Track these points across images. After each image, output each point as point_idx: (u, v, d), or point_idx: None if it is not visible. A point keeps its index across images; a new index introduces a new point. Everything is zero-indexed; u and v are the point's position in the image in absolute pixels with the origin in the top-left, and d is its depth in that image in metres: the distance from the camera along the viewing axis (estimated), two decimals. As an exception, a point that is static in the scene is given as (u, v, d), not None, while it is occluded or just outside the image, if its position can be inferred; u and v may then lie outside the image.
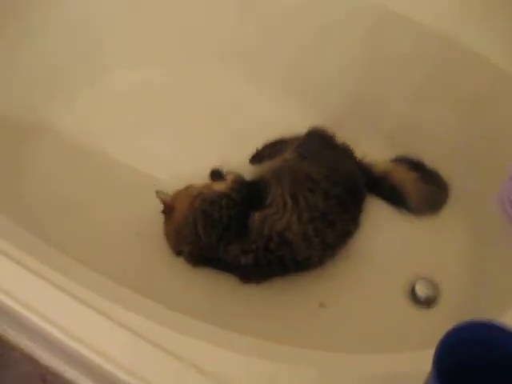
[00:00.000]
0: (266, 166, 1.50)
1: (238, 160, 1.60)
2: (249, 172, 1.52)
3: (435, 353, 0.68)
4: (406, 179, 1.52)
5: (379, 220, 1.50)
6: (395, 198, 1.53)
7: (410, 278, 1.40)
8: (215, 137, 1.67)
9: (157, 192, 1.42)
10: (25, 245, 1.08)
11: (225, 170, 1.57)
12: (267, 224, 1.34)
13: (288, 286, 1.38)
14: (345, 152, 1.56)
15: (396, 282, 1.40)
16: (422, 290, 1.37)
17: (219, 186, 1.45)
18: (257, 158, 1.63)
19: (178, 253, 1.43)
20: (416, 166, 1.55)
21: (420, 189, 1.52)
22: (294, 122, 1.62)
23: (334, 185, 1.39)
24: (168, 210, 1.43)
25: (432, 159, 1.55)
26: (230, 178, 1.47)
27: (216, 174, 1.58)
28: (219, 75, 1.78)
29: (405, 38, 1.50)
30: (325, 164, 1.45)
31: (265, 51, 1.73)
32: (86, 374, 1.12)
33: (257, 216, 1.35)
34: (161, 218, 1.46)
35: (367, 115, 1.65)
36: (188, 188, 1.47)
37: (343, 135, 1.58)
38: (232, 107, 1.74)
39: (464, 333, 0.70)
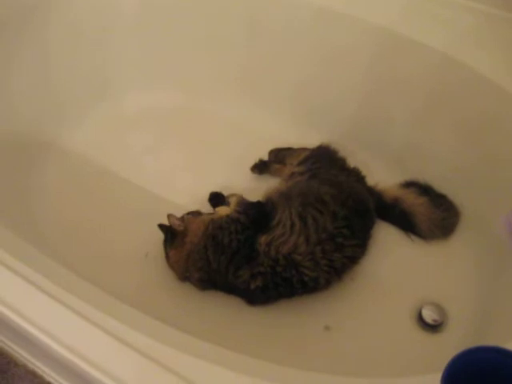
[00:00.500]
0: (273, 188, 1.50)
1: (244, 181, 1.63)
2: (255, 192, 1.52)
3: (442, 376, 0.68)
4: (416, 204, 1.52)
5: (387, 244, 1.50)
6: (406, 223, 1.53)
7: (417, 303, 1.40)
8: (223, 158, 1.69)
9: (169, 216, 1.41)
10: (34, 263, 1.09)
11: (225, 193, 1.57)
12: (274, 246, 1.34)
13: (294, 308, 1.38)
14: (355, 174, 1.56)
15: (403, 307, 1.40)
16: (428, 315, 1.36)
17: (224, 211, 1.45)
18: (258, 166, 1.66)
19: (184, 279, 1.43)
20: (425, 190, 1.55)
21: (431, 213, 1.51)
22: (300, 144, 1.65)
23: (343, 206, 1.39)
24: (179, 235, 1.41)
25: (437, 181, 1.55)
26: (233, 201, 1.48)
27: (215, 198, 1.58)
28: (227, 98, 1.81)
29: (408, 60, 1.52)
30: (335, 184, 1.45)
31: (271, 75, 1.76)
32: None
33: (263, 239, 1.35)
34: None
35: (372, 137, 1.66)
36: (198, 214, 1.47)
37: (347, 156, 1.59)
38: (239, 129, 1.77)
39: (471, 357, 0.70)
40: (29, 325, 0.98)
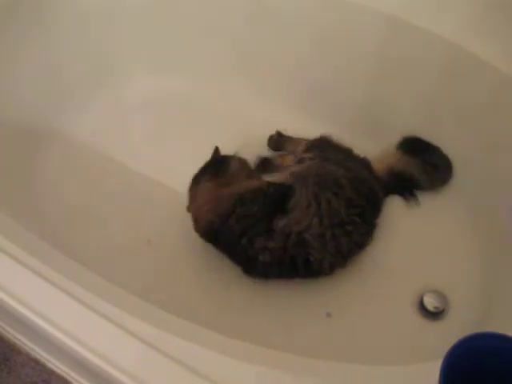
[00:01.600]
0: (282, 173, 1.51)
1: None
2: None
3: (442, 363, 0.68)
4: (409, 165, 1.57)
5: (390, 232, 1.50)
6: (407, 185, 1.57)
7: (418, 290, 1.40)
8: (224, 145, 1.66)
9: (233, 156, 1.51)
10: (35, 251, 1.09)
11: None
12: (289, 224, 1.34)
13: (295, 295, 1.39)
14: (363, 162, 1.56)
15: (405, 294, 1.40)
16: (430, 302, 1.36)
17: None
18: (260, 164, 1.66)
19: (195, 212, 1.44)
20: (417, 149, 1.59)
21: (425, 170, 1.56)
22: (301, 131, 1.66)
23: (359, 194, 1.40)
24: (228, 175, 1.47)
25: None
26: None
27: (264, 163, 1.63)
28: (228, 85, 1.80)
29: (412, 47, 1.51)
30: (349, 169, 1.45)
31: (273, 62, 1.75)
32: (92, 380, 1.12)
33: (280, 221, 1.35)
34: (171, 225, 1.48)
35: (372, 124, 1.66)
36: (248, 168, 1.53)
37: (347, 143, 1.59)
38: (240, 116, 1.76)
39: (472, 344, 0.70)
40: (30, 312, 0.98)
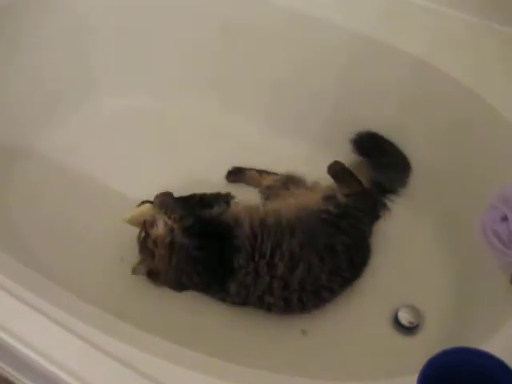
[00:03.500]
0: (258, 206, 1.44)
1: (219, 186, 1.60)
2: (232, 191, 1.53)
3: (418, 378, 0.68)
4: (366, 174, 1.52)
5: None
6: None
7: (393, 305, 1.40)
8: (199, 163, 1.68)
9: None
10: (5, 268, 1.07)
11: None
12: (245, 286, 1.33)
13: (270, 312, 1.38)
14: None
15: (379, 309, 1.40)
16: (404, 317, 1.37)
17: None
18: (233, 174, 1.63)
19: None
20: (368, 152, 1.57)
21: (384, 172, 1.53)
22: (273, 148, 1.68)
23: (351, 264, 1.36)
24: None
25: (410, 187, 1.56)
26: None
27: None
28: (203, 103, 1.80)
29: (384, 66, 1.52)
30: (356, 235, 1.40)
31: (247, 80, 1.75)
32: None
33: (232, 285, 1.33)
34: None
35: (344, 143, 1.62)
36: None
37: (320, 162, 1.57)
38: (214, 134, 1.76)
39: (447, 359, 0.70)
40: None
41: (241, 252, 1.32)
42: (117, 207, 1.57)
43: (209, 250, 1.33)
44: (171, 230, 1.37)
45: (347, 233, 1.37)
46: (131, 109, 1.80)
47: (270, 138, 1.72)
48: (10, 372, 1.11)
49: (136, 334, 1.04)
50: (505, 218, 1.03)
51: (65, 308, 1.00)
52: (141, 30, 1.76)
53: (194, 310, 1.40)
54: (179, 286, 1.40)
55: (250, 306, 1.36)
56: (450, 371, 0.70)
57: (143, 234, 1.41)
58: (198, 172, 1.65)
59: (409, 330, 1.36)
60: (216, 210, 1.40)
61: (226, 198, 1.48)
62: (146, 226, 1.40)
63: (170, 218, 1.37)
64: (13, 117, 1.64)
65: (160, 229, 1.38)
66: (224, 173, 1.65)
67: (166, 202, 1.41)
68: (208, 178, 1.64)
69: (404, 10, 1.53)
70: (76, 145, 1.73)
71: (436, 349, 0.74)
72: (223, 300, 1.37)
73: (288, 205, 1.41)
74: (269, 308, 1.34)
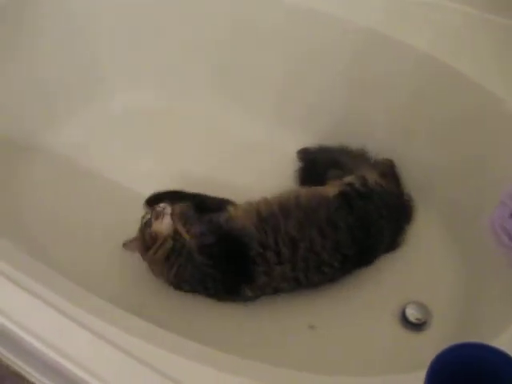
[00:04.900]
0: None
1: (225, 182, 1.61)
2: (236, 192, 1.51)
3: (427, 374, 0.68)
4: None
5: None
6: None
7: (400, 302, 1.40)
8: (207, 162, 1.68)
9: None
10: (13, 259, 1.08)
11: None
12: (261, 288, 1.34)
13: (278, 306, 1.38)
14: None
15: (387, 306, 1.40)
16: (412, 314, 1.36)
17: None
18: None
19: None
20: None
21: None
22: (284, 146, 1.67)
23: (352, 242, 1.36)
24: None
25: (418, 182, 1.55)
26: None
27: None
28: (212, 100, 1.81)
29: (391, 60, 1.52)
30: (366, 216, 1.39)
31: (255, 77, 1.75)
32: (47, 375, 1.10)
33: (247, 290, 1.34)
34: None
35: (352, 139, 1.63)
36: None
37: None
38: (223, 132, 1.76)
39: (456, 354, 0.70)
40: (7, 321, 0.97)
41: (257, 262, 1.32)
42: (122, 201, 1.60)
43: (224, 270, 1.34)
44: (175, 238, 1.36)
45: (355, 213, 1.36)
46: (138, 107, 1.81)
47: (277, 136, 1.72)
48: (15, 362, 1.12)
49: (140, 324, 1.04)
50: (514, 215, 1.03)
51: (72, 300, 1.00)
52: (147, 28, 1.77)
53: (199, 303, 1.39)
54: (174, 286, 1.39)
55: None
56: (460, 367, 0.69)
57: (146, 220, 1.40)
58: (205, 172, 1.66)
59: (416, 326, 1.36)
60: (223, 217, 1.38)
61: (227, 203, 1.47)
62: (152, 213, 1.40)
63: (187, 231, 1.36)
64: (22, 112, 1.65)
65: (163, 226, 1.37)
66: (231, 171, 1.63)
67: (186, 214, 1.40)
68: (215, 178, 1.64)
69: (407, 4, 1.53)
70: (82, 142, 1.74)
71: (443, 346, 0.73)
72: (233, 301, 1.37)
73: (288, 192, 1.41)
74: (281, 291, 1.35)
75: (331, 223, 1.34)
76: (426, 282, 1.45)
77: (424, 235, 1.52)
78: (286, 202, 1.36)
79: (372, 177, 1.43)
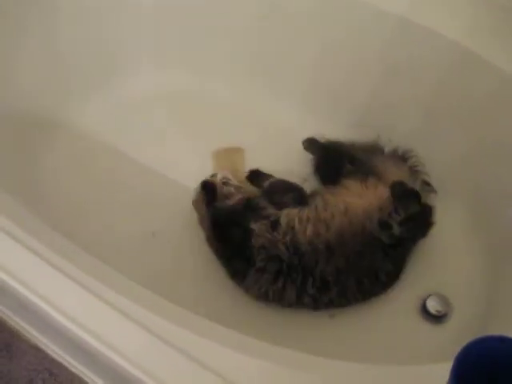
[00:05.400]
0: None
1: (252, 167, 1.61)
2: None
3: (453, 366, 0.67)
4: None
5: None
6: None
7: (421, 294, 1.40)
8: (232, 145, 1.68)
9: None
10: (40, 235, 1.08)
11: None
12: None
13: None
14: None
15: (407, 297, 1.40)
16: (433, 306, 1.36)
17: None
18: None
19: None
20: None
21: None
22: (310, 133, 1.65)
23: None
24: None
25: (443, 169, 1.53)
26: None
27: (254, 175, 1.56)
28: (240, 85, 1.80)
29: (420, 48, 1.51)
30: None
31: (283, 62, 1.74)
32: (93, 368, 1.12)
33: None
34: (176, 219, 1.50)
35: (380, 124, 1.62)
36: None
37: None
38: (249, 116, 1.75)
39: (481, 347, 0.69)
40: (32, 294, 0.98)
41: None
42: (146, 183, 1.61)
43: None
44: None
45: (392, 261, 1.36)
46: (163, 88, 1.80)
47: (305, 123, 1.70)
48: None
49: (167, 306, 1.05)
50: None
51: (99, 277, 1.01)
52: (175, 9, 1.75)
53: (224, 288, 1.40)
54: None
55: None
56: (485, 360, 0.69)
57: (225, 179, 1.45)
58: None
59: (437, 318, 1.35)
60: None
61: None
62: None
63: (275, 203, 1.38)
64: (40, 93, 1.63)
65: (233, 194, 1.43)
66: (263, 158, 1.61)
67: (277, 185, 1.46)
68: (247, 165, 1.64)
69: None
70: (105, 121, 1.73)
71: (464, 338, 0.73)
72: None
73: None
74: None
75: (372, 273, 1.35)
76: (446, 274, 1.44)
77: (447, 227, 1.50)
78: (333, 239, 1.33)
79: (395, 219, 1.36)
